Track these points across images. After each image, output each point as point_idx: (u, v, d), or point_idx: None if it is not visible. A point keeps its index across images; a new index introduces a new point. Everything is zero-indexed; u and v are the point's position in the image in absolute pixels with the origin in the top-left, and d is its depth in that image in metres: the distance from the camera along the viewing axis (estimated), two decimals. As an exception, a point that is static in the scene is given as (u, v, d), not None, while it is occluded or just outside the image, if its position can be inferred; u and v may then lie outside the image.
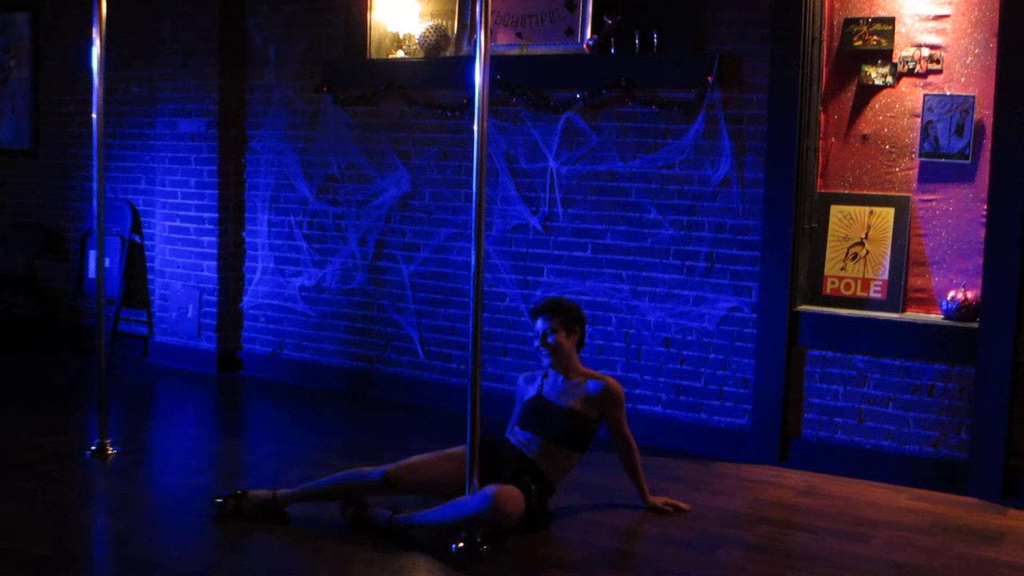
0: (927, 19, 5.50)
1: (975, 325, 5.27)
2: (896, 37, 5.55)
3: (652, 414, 6.04)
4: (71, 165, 8.33)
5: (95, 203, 5.59)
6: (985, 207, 5.27)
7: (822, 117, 5.73)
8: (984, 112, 5.36)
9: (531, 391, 4.93)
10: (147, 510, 4.98)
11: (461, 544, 4.30)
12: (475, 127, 4.33)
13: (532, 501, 4.49)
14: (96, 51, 5.46)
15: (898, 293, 5.57)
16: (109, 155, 7.84)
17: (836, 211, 5.73)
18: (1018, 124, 5.09)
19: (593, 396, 4.75)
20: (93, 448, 5.54)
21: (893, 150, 5.63)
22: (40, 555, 4.27)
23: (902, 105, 5.59)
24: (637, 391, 6.07)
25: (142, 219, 7.95)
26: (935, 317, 5.49)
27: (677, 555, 4.41)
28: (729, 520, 4.87)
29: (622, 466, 4.94)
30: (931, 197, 5.56)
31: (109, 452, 5.54)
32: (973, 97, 5.39)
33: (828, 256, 5.73)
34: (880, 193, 5.65)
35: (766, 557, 4.45)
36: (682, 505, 4.93)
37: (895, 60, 5.57)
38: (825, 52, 5.69)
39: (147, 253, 7.93)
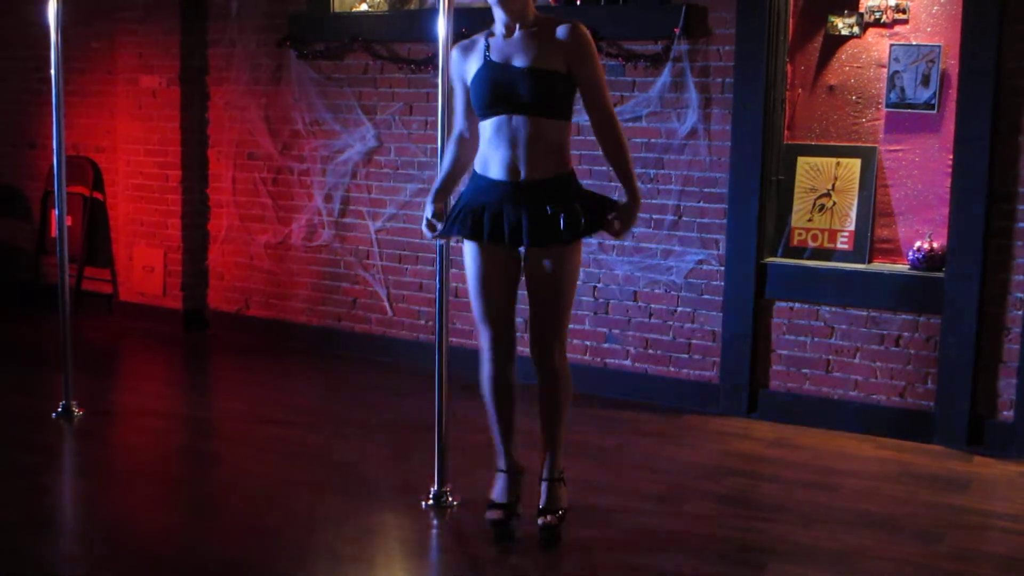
0: (893, -32, 5.49)
1: (941, 275, 5.29)
2: (862, -13, 5.54)
3: (620, 368, 6.05)
4: (31, 123, 8.20)
5: (55, 161, 5.51)
6: (951, 157, 5.28)
7: (789, 68, 5.70)
8: (950, 62, 5.36)
9: (474, 64, 4.02)
10: (115, 472, 4.96)
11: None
12: (439, 81, 4.28)
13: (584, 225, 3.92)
14: (52, 5, 5.36)
15: (865, 244, 5.58)
16: (69, 112, 7.70)
17: (803, 163, 5.73)
18: (983, 74, 5.08)
19: (558, 44, 3.92)
20: (59, 410, 5.50)
21: (860, 101, 5.62)
22: (6, 519, 4.24)
23: (868, 56, 5.58)
24: (605, 345, 6.07)
25: (104, 177, 7.85)
26: (901, 267, 5.51)
27: (646, 508, 4.43)
28: (698, 472, 4.89)
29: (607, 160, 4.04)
30: (897, 148, 5.56)
31: (75, 413, 5.50)
32: (939, 47, 5.38)
33: (795, 208, 5.74)
34: (847, 144, 5.65)
35: (735, 508, 4.48)
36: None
37: (861, 10, 5.54)
38: (792, 3, 5.66)
39: (110, 212, 7.84)
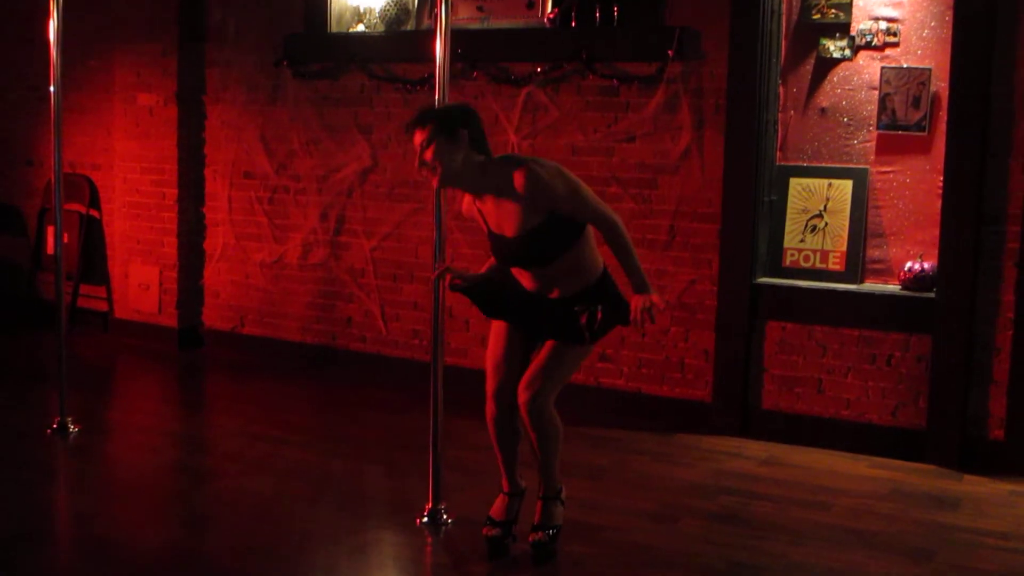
0: (884, -8, 5.55)
1: (932, 295, 5.33)
2: (854, 10, 5.58)
3: (615, 387, 6.07)
4: (28, 140, 8.23)
5: (53, 178, 5.54)
6: (941, 179, 5.33)
7: (781, 90, 5.76)
8: (940, 84, 5.41)
9: (480, 220, 4.15)
10: (109, 488, 4.97)
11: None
12: (436, 101, 4.32)
13: (599, 321, 3.97)
14: (53, 24, 5.39)
15: (856, 264, 5.62)
16: (66, 129, 7.73)
17: (795, 184, 5.77)
18: (973, 96, 5.14)
19: (523, 199, 3.89)
20: (54, 426, 5.51)
21: (851, 123, 5.67)
22: (2, 534, 4.25)
23: (860, 78, 5.63)
24: (599, 364, 6.10)
25: (101, 194, 7.88)
26: (893, 287, 5.55)
27: (640, 526, 4.46)
28: (691, 491, 4.92)
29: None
30: (888, 169, 5.61)
31: (70, 430, 5.51)
32: (929, 69, 5.44)
33: (787, 228, 5.78)
34: (838, 165, 5.70)
35: (728, 527, 4.51)
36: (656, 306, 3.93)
37: (853, 33, 5.60)
38: (784, 25, 5.71)
39: (106, 229, 7.87)
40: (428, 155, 3.91)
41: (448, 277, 4.18)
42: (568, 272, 3.99)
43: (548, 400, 4.03)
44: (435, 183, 3.99)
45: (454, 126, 3.91)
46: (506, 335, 4.16)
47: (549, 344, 4.05)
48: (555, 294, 4.03)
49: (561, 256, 3.95)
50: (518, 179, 3.85)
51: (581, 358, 4.14)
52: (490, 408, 4.18)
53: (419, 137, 3.92)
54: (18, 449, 5.32)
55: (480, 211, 4.05)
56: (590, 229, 4.01)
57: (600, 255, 4.08)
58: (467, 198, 4.12)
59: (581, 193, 3.91)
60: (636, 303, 3.88)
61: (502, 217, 3.96)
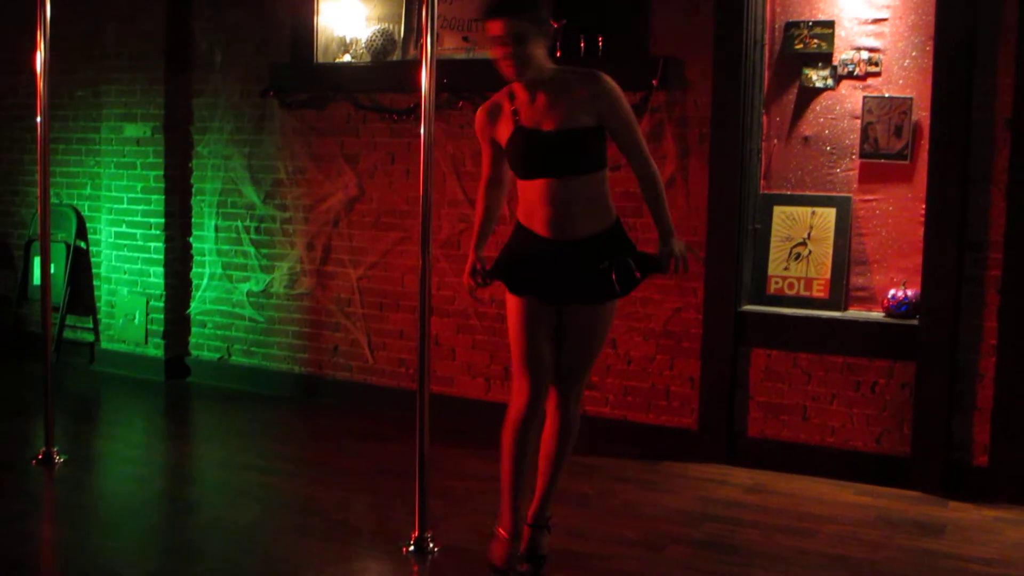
0: (866, 23, 5.60)
1: (915, 322, 5.37)
2: (836, 40, 5.64)
3: (600, 415, 6.08)
4: (14, 171, 8.24)
5: (40, 209, 5.55)
6: (923, 206, 5.37)
7: (764, 119, 5.81)
8: (921, 113, 5.47)
9: (505, 128, 4.02)
10: (96, 519, 4.95)
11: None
12: (422, 131, 4.35)
13: (626, 279, 3.96)
14: (40, 55, 5.41)
15: (840, 292, 5.66)
16: (53, 160, 7.76)
17: (779, 212, 5.81)
18: (954, 124, 5.19)
19: (583, 99, 3.88)
20: (39, 457, 5.49)
21: (834, 151, 5.72)
22: (-13, 565, 4.24)
23: (842, 107, 5.68)
24: (585, 392, 6.10)
25: (87, 225, 7.88)
26: (876, 315, 5.58)
27: (626, 554, 4.46)
28: (677, 518, 4.92)
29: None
30: (871, 197, 5.65)
31: (56, 461, 5.49)
32: (911, 99, 5.50)
33: (771, 256, 5.81)
34: (822, 194, 5.74)
35: (714, 554, 4.51)
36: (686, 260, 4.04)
37: (835, 63, 5.66)
38: (767, 55, 5.77)
39: (92, 259, 7.87)
40: (513, 48, 3.80)
41: (474, 285, 4.17)
42: (587, 201, 3.91)
43: (580, 401, 4.13)
44: (512, 74, 3.86)
45: (545, 19, 3.87)
46: (529, 328, 3.99)
47: (577, 324, 4.00)
48: (573, 233, 3.91)
49: (585, 173, 3.89)
50: (593, 79, 3.88)
51: (611, 321, 4.12)
52: (521, 414, 4.01)
53: (507, 28, 3.80)
54: (3, 480, 5.30)
55: (515, 111, 3.94)
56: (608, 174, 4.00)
57: (614, 205, 4.05)
58: (481, 114, 4.06)
59: (636, 125, 4.02)
60: (673, 247, 3.96)
61: (548, 110, 3.88)
